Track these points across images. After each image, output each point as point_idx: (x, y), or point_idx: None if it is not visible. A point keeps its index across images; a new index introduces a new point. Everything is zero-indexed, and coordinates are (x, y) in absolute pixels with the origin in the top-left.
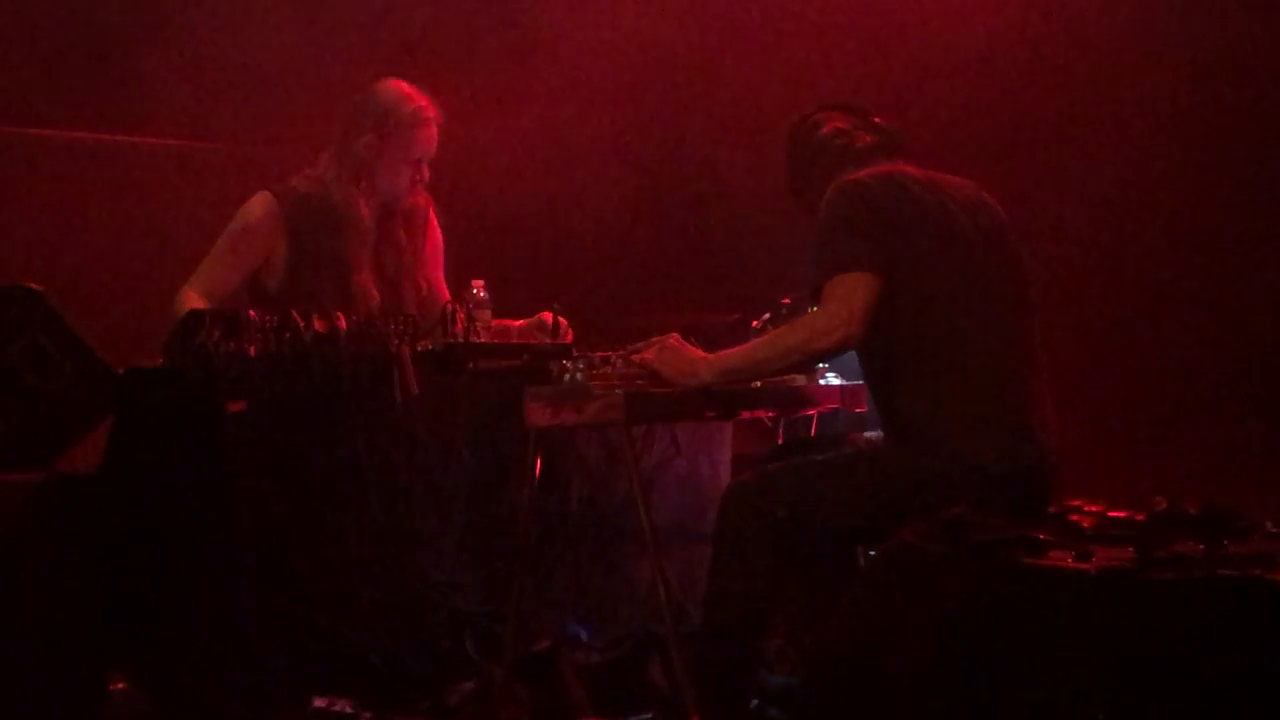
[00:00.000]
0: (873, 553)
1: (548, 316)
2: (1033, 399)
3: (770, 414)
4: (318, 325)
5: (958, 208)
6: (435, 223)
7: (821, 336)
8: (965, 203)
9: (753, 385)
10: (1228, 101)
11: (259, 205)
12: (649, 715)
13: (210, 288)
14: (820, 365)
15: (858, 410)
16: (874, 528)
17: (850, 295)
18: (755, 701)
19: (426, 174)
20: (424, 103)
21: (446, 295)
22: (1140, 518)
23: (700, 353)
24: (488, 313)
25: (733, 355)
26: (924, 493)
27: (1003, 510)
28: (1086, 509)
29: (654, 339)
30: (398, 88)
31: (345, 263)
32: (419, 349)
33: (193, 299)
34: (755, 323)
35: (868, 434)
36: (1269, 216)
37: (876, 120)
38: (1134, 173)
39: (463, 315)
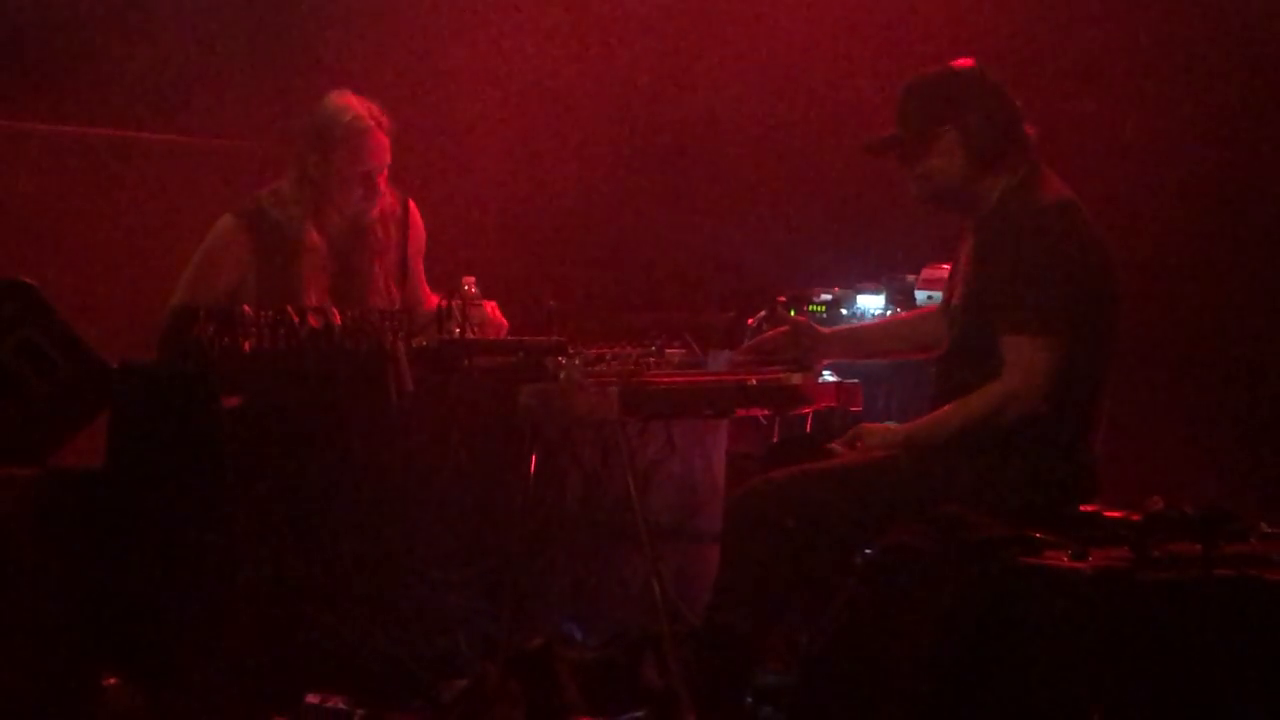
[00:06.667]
0: (868, 551)
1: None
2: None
3: (765, 412)
4: (312, 321)
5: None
6: (416, 220)
7: (1013, 405)
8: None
9: (751, 382)
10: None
11: (224, 232)
12: (642, 714)
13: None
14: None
15: (853, 409)
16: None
17: (1050, 365)
18: (749, 699)
19: (380, 185)
20: (363, 111)
21: (429, 295)
22: (1136, 518)
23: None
24: (480, 309)
25: (925, 426)
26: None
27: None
28: (1083, 509)
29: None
30: (337, 100)
31: (296, 289)
32: (414, 345)
33: None
34: (750, 321)
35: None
36: (1267, 215)
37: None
38: (1127, 170)
39: (458, 309)
